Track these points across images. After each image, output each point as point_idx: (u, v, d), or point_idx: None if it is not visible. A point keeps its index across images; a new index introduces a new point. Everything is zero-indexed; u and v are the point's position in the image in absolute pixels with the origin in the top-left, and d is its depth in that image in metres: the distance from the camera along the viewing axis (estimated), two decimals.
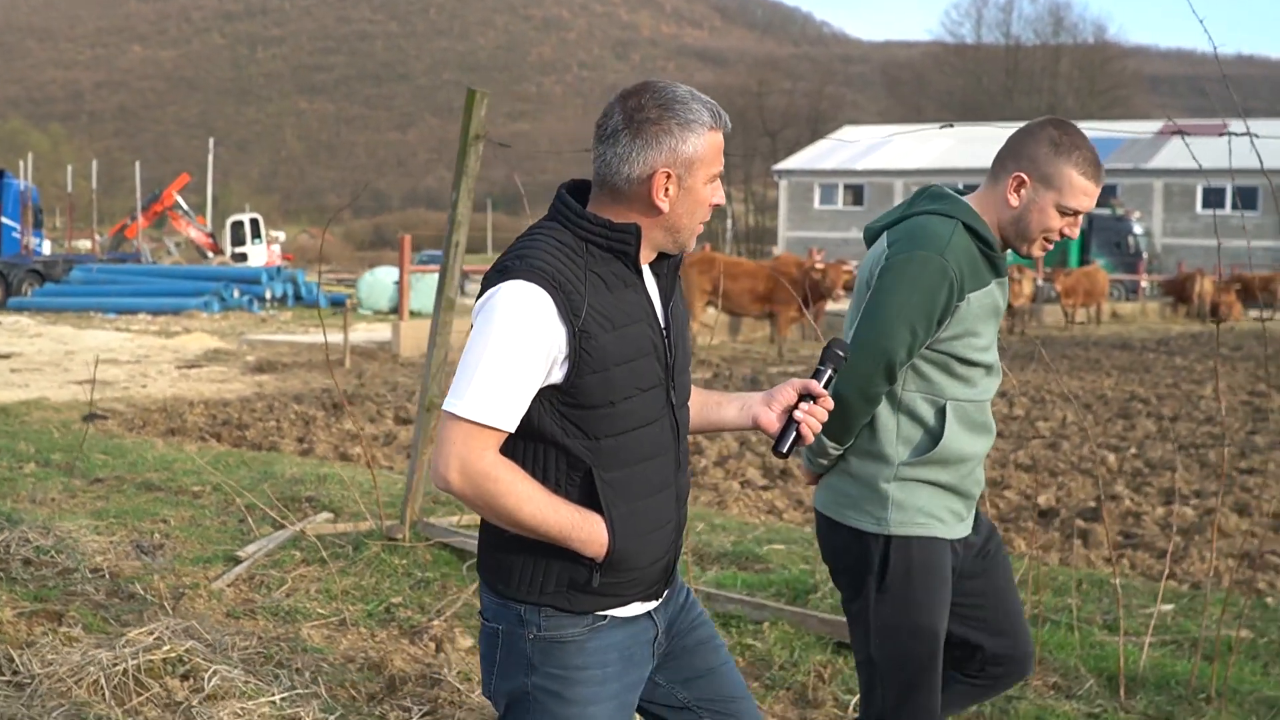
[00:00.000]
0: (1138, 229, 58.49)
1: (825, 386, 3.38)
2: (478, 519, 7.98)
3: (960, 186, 4.09)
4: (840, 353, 3.45)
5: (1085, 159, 3.89)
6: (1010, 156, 3.96)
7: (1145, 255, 57.60)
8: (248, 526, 8.32)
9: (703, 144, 3.12)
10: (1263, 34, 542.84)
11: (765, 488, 11.12)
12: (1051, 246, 4.03)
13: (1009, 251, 4.05)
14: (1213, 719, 5.37)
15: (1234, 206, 70.09)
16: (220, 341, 25.57)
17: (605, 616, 3.18)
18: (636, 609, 3.22)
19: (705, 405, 3.53)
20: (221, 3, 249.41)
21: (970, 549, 4.08)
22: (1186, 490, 11.27)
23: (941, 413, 3.90)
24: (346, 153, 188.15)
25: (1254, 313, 47.37)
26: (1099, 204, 48.83)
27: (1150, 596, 7.08)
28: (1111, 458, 12.73)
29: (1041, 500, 10.49)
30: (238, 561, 7.48)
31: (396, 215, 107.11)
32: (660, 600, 3.28)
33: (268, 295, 38.07)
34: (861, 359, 3.80)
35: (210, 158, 67.96)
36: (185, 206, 54.15)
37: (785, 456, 3.39)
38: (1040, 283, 36.62)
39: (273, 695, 5.37)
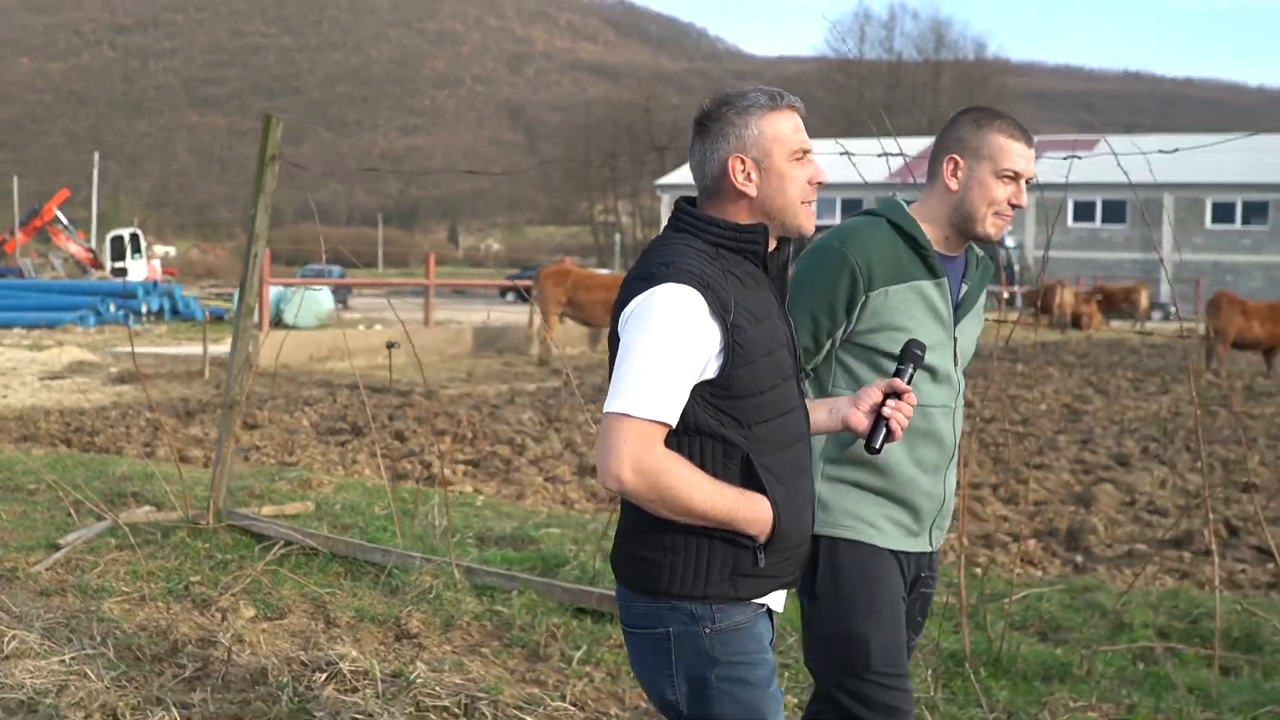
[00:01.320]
0: (1010, 242, 59.82)
1: (908, 383, 3.58)
2: (281, 509, 8.72)
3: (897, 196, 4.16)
4: (918, 351, 3.67)
5: (1008, 124, 3.96)
6: (940, 149, 4.03)
7: (1017, 268, 58.89)
8: (74, 519, 8.97)
9: (766, 124, 3.30)
10: (1149, 51, 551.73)
11: (567, 483, 11.96)
12: (1006, 222, 4.01)
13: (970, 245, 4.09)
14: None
15: (1104, 220, 71.97)
16: (89, 354, 26.00)
17: (763, 605, 3.34)
18: (779, 600, 3.41)
19: None
20: (113, 16, 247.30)
21: (920, 566, 4.07)
22: (967, 481, 12.21)
23: None
24: (238, 166, 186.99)
25: (1115, 322, 48.88)
26: None
27: None
28: None
29: None
30: (58, 549, 8.15)
31: (289, 229, 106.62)
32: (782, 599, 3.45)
33: (144, 309, 38.36)
34: None
35: (95, 172, 67.85)
36: (65, 221, 54.17)
37: (878, 452, 3.58)
38: None
39: (63, 655, 6.07)
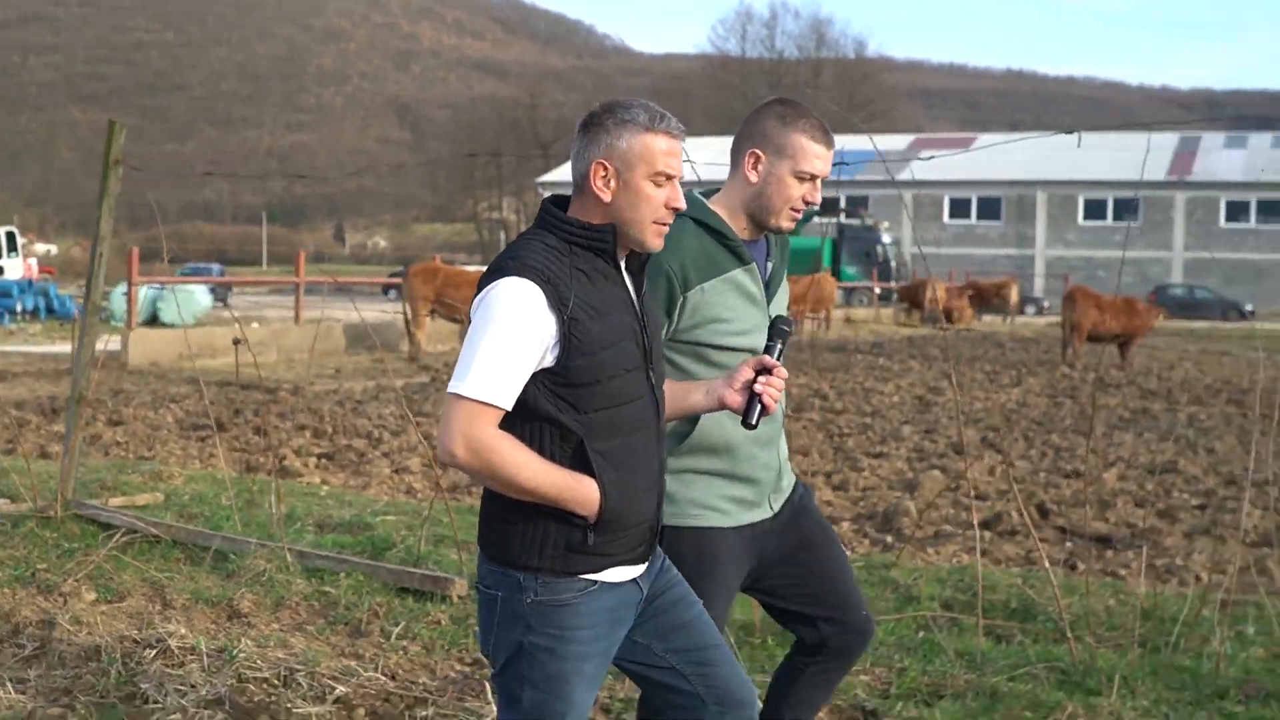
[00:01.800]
0: (886, 238, 60.72)
1: (777, 359, 3.80)
2: (131, 499, 9.05)
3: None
4: (785, 328, 3.90)
5: (812, 125, 4.12)
6: (744, 139, 4.18)
7: (894, 263, 59.76)
8: None
9: (637, 140, 3.48)
10: (1032, 50, 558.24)
11: (414, 474, 12.39)
12: (799, 216, 4.18)
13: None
14: None
15: (979, 216, 73.23)
16: None
17: (595, 582, 3.53)
18: (623, 574, 3.59)
19: (675, 395, 3.89)
20: None
21: (771, 532, 4.26)
22: (804, 470, 12.74)
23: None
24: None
25: (988, 317, 49.83)
26: (849, 215, 50.63)
27: None
28: None
29: None
30: None
31: (172, 227, 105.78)
32: (645, 566, 3.67)
33: (19, 308, 38.18)
34: None
35: None
36: None
37: (754, 427, 3.80)
38: None
39: None
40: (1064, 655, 6.44)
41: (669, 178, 3.52)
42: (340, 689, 5.82)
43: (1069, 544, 9.95)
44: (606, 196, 3.49)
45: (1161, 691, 6.05)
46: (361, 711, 5.66)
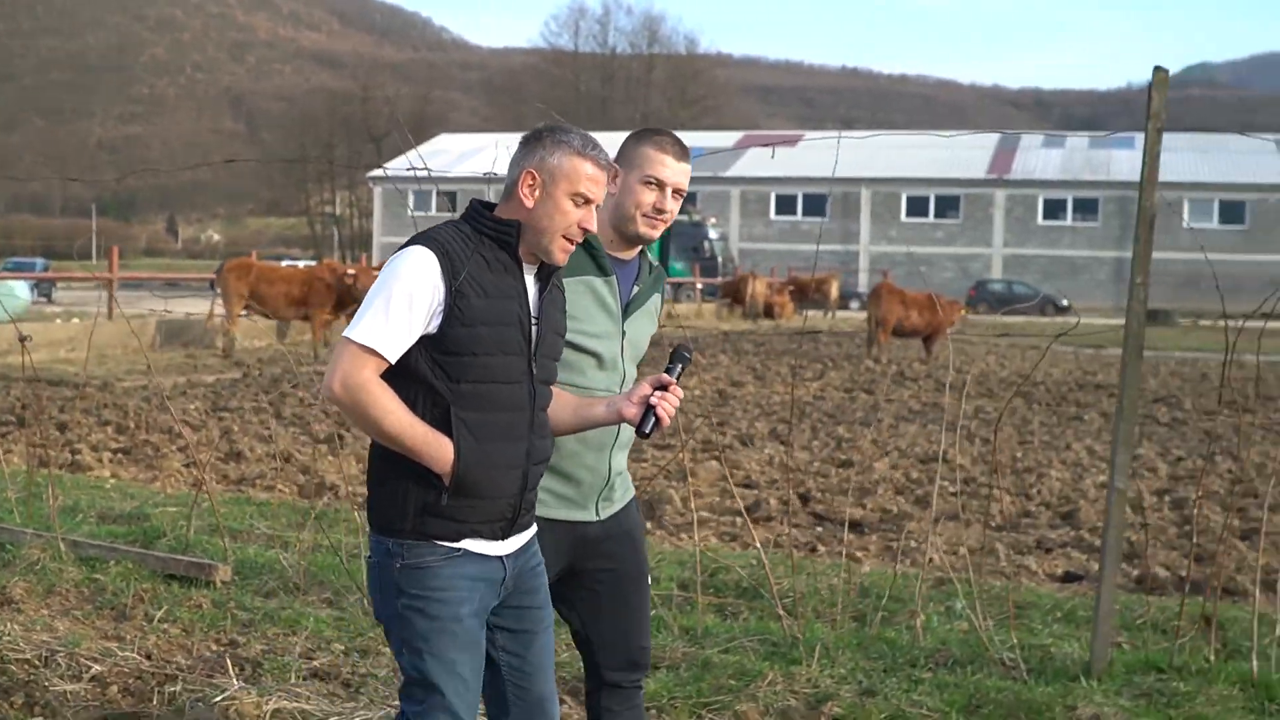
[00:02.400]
0: (713, 234, 61.47)
1: (675, 379, 4.11)
2: None
3: None
4: (686, 354, 4.22)
5: (659, 139, 4.45)
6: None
7: (720, 259, 60.53)
8: None
9: (565, 162, 3.88)
10: (866, 48, 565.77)
11: (205, 467, 12.71)
12: (659, 223, 4.43)
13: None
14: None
15: (805, 213, 74.47)
16: None
17: (460, 550, 3.85)
18: (484, 547, 3.90)
19: (579, 408, 4.19)
20: None
21: (593, 540, 4.47)
22: None
23: None
24: None
25: (811, 312, 50.77)
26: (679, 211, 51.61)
27: None
28: None
29: None
30: None
31: None
32: (509, 547, 3.98)
33: None
34: None
35: None
36: None
37: (648, 437, 4.10)
38: None
39: None
40: (777, 629, 7.02)
41: (586, 201, 3.90)
42: (97, 668, 6.20)
43: (819, 529, 10.59)
44: (529, 203, 3.88)
45: (859, 660, 6.63)
46: (115, 689, 6.04)
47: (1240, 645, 6.92)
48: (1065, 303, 64.49)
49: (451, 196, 79.87)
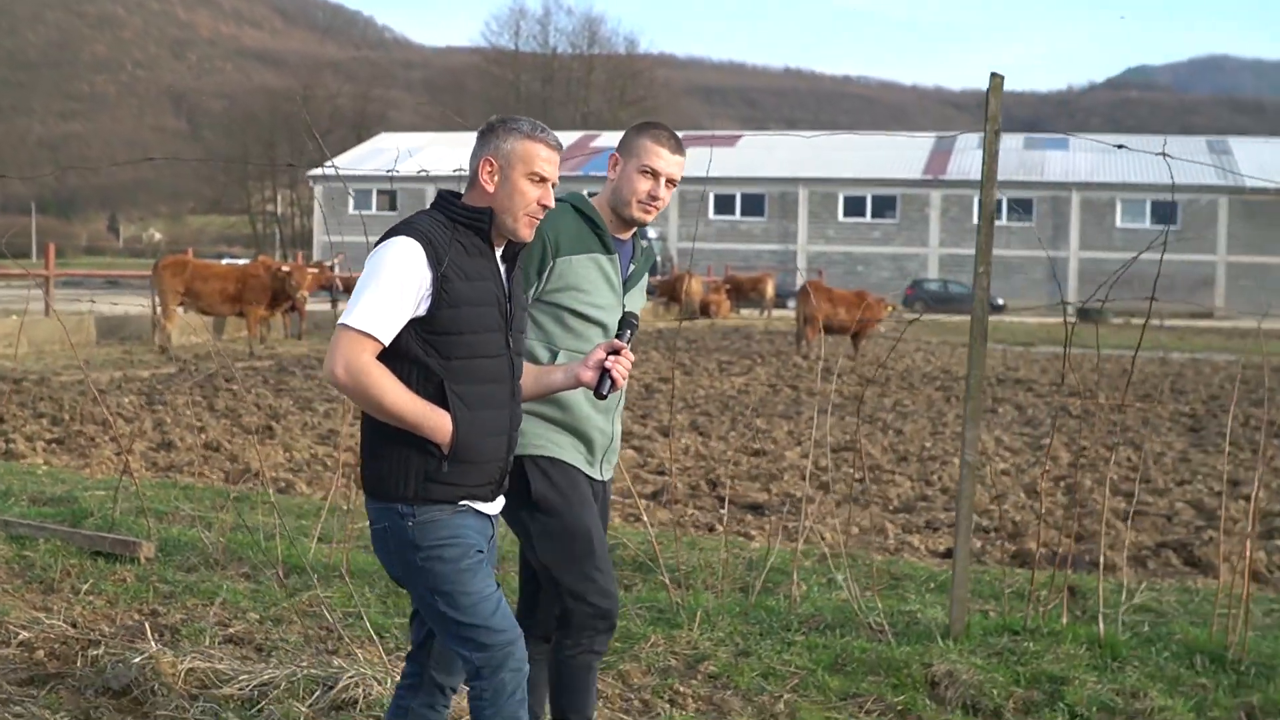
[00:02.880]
0: (652, 233, 61.81)
1: (626, 344, 4.53)
2: None
3: None
4: (634, 320, 4.67)
5: (657, 131, 4.96)
6: (615, 151, 4.99)
7: (659, 258, 60.90)
8: None
9: (518, 145, 4.26)
10: (809, 49, 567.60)
11: (134, 455, 13.11)
12: (652, 209, 4.91)
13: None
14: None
15: (743, 213, 75.04)
16: None
17: (464, 506, 4.24)
18: (477, 506, 4.31)
19: (539, 375, 4.64)
20: None
21: (594, 496, 4.95)
22: None
23: (553, 358, 4.82)
24: None
25: (746, 310, 51.26)
26: None
27: None
28: None
29: None
30: None
31: None
32: (495, 508, 4.41)
33: None
34: None
35: None
36: None
37: (604, 398, 4.52)
38: None
39: None
40: (664, 598, 7.51)
41: (542, 179, 4.28)
42: (25, 634, 6.59)
43: (722, 511, 11.08)
44: (490, 188, 4.25)
45: (738, 625, 7.13)
46: (41, 653, 6.45)
47: (1097, 611, 7.45)
48: (1000, 301, 65.27)
49: (391, 195, 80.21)
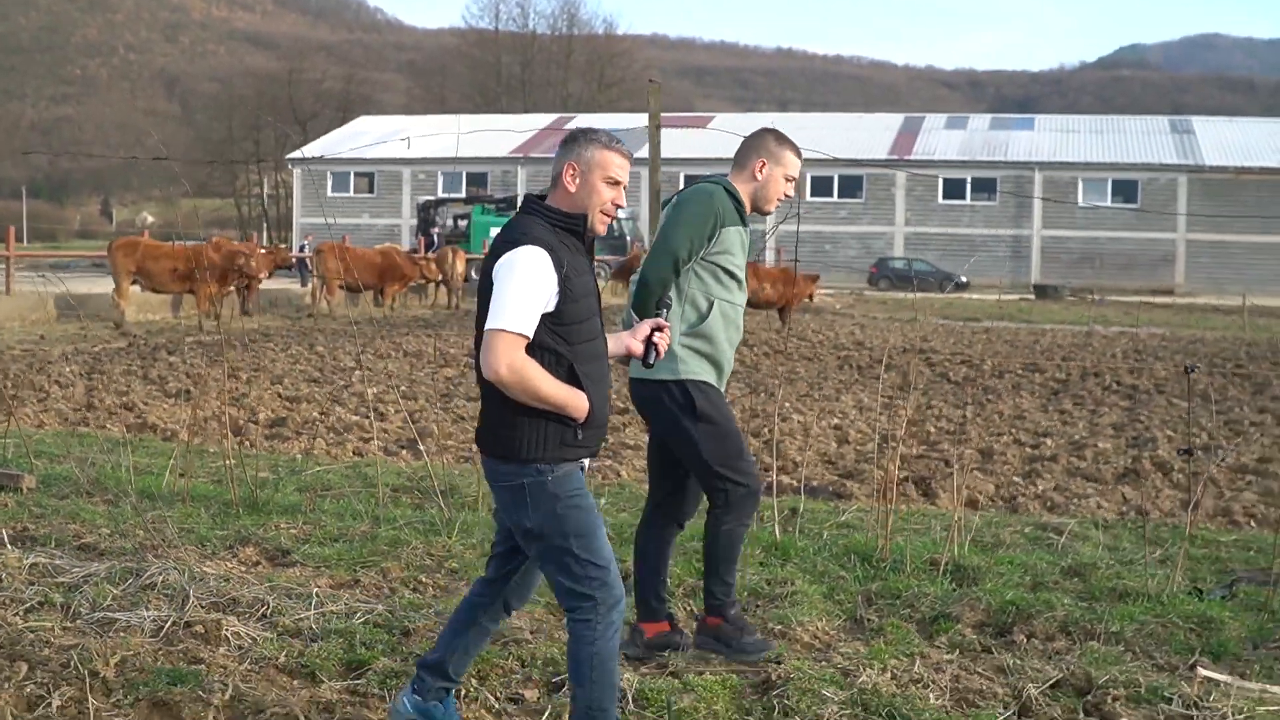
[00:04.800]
0: (622, 214, 62.63)
1: (666, 320, 5.61)
2: None
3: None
4: (668, 300, 5.88)
5: (793, 146, 6.39)
6: (751, 151, 6.38)
7: (630, 239, 61.87)
8: None
9: (595, 154, 4.97)
10: (801, 28, 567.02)
11: (51, 413, 14.66)
12: (779, 202, 6.38)
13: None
14: None
15: None
16: None
17: (581, 464, 4.97)
18: (586, 463, 5.07)
19: None
20: None
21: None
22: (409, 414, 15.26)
23: (711, 306, 6.17)
24: None
25: None
26: None
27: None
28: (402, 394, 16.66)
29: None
30: None
31: None
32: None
33: None
34: (657, 257, 6.10)
35: None
36: None
37: (650, 366, 5.44)
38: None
39: None
40: (438, 515, 9.07)
41: (615, 182, 5.02)
42: None
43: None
44: (572, 188, 4.99)
45: (489, 535, 8.67)
46: None
47: (805, 527, 9.05)
48: (964, 279, 66.73)
49: (370, 178, 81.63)
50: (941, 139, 79.37)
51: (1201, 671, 6.02)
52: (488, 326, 4.77)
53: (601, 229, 5.03)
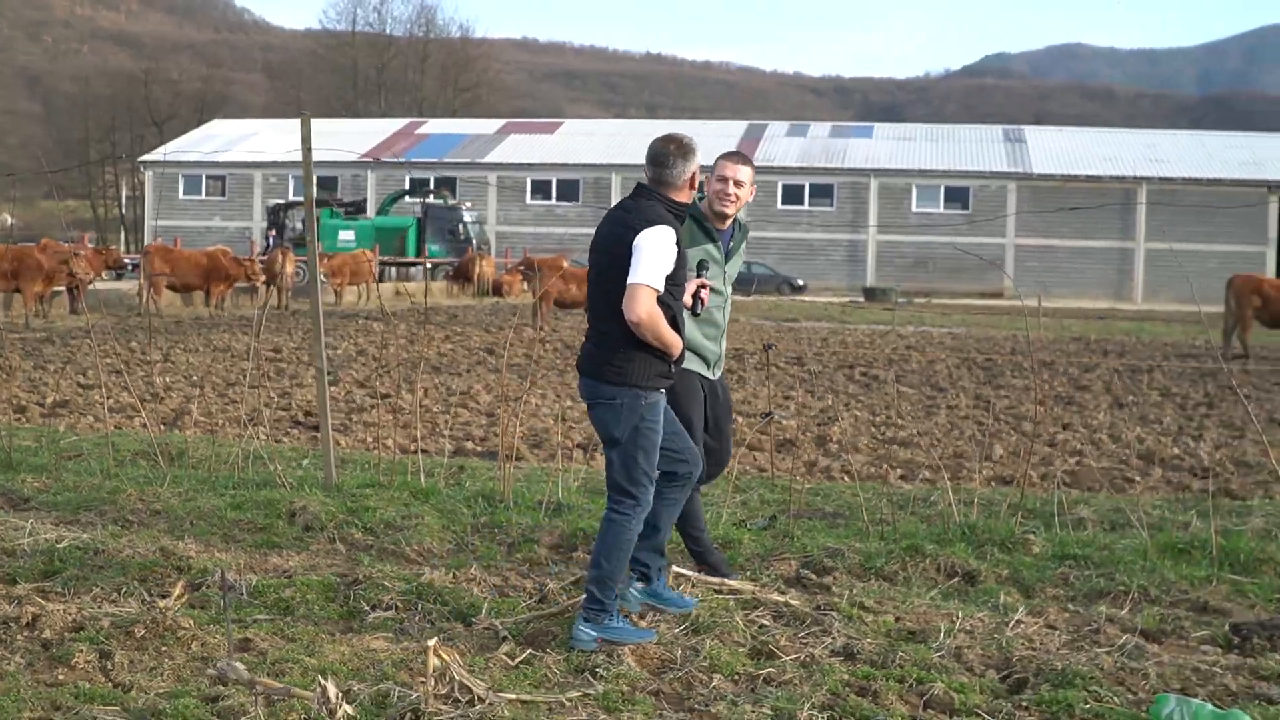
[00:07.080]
0: (468, 217, 64.07)
1: (708, 279, 7.17)
2: None
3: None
4: (705, 265, 7.22)
5: (731, 156, 7.67)
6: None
7: (475, 241, 63.24)
8: None
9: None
10: (670, 34, 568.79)
11: None
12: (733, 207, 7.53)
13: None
14: None
15: (559, 198, 77.98)
16: None
17: (663, 391, 6.59)
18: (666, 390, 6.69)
19: None
20: None
21: (709, 388, 7.58)
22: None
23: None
24: None
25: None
26: (435, 195, 53.16)
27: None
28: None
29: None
30: None
31: None
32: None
33: None
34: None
35: None
36: None
37: (698, 315, 7.03)
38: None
39: None
40: (157, 472, 10.93)
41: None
42: None
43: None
44: (693, 185, 6.68)
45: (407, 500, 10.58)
46: None
47: (463, 481, 11.01)
48: (801, 283, 68.99)
49: (221, 180, 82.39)
50: (782, 146, 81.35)
51: (675, 569, 8.01)
52: (633, 281, 6.30)
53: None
